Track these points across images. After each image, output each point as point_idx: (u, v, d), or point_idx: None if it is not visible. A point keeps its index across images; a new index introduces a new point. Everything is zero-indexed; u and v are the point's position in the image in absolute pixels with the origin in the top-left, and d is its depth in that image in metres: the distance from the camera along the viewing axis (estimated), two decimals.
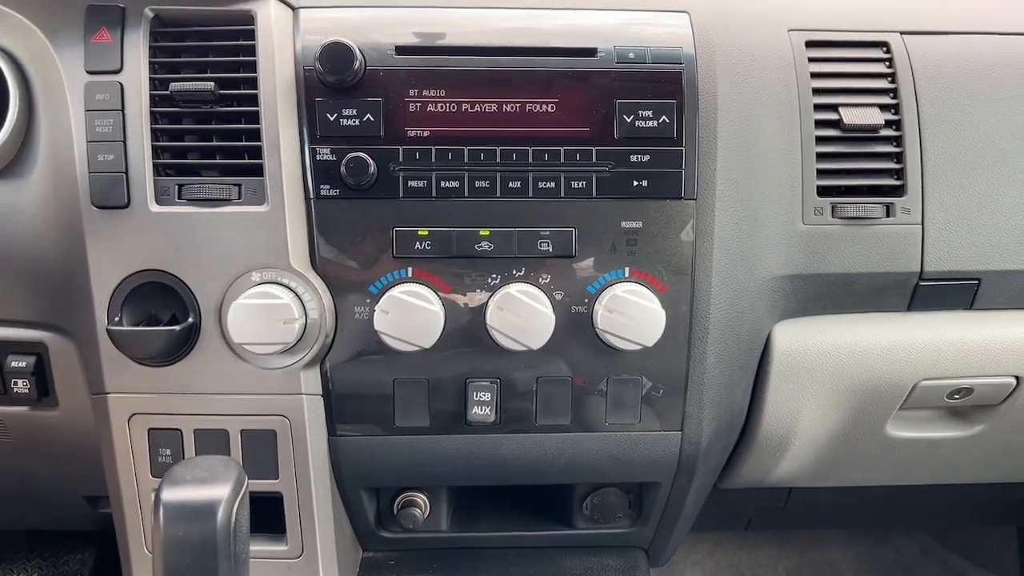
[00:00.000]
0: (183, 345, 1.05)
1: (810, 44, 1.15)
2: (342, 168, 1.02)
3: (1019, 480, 1.51)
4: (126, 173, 1.02)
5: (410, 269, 1.06)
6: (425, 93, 1.03)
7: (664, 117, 1.05)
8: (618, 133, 1.04)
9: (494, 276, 1.06)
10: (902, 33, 1.17)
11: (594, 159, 1.05)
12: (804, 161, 1.12)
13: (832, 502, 1.78)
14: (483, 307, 1.06)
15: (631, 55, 1.05)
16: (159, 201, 1.03)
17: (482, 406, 1.10)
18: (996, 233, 1.14)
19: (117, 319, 1.05)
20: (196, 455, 1.09)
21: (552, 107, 1.04)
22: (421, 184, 1.04)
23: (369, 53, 1.03)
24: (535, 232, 1.06)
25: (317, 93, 1.03)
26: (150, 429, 1.09)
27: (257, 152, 1.03)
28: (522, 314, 1.03)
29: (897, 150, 1.13)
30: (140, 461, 1.10)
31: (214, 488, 0.82)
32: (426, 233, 1.05)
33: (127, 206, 1.03)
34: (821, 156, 1.12)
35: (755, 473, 1.35)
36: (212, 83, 1.02)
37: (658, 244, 1.07)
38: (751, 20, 1.15)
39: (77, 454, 1.22)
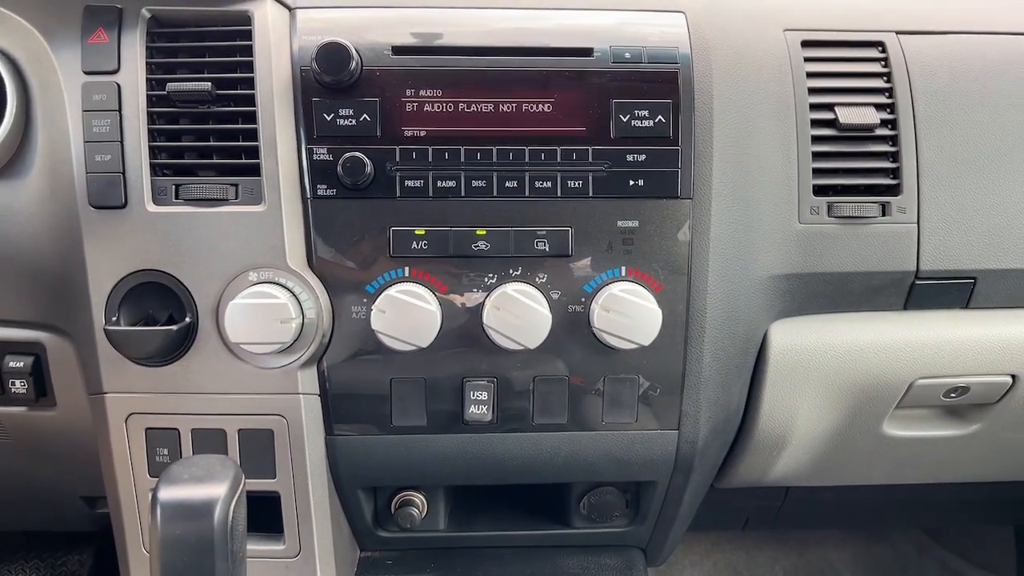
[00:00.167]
0: (180, 345, 1.05)
1: (806, 44, 1.16)
2: (339, 168, 1.02)
3: (1016, 479, 1.52)
4: (123, 173, 1.03)
5: (407, 269, 1.06)
6: (421, 93, 1.03)
7: (660, 117, 1.05)
8: (614, 133, 1.05)
9: (491, 275, 1.06)
10: (898, 33, 1.17)
11: (590, 159, 1.05)
12: (800, 160, 1.12)
13: (829, 501, 1.78)
14: (480, 306, 1.06)
15: (627, 55, 1.05)
16: (156, 201, 1.04)
17: (479, 405, 1.10)
18: (992, 232, 1.14)
19: (114, 319, 1.05)
20: (193, 455, 1.09)
21: (548, 107, 1.04)
22: (418, 184, 1.04)
23: (365, 53, 1.03)
24: (532, 232, 1.06)
25: (314, 93, 1.03)
26: (147, 429, 1.09)
27: (254, 152, 1.03)
28: (519, 313, 1.03)
29: (893, 149, 1.13)
30: (138, 461, 1.10)
31: (211, 487, 0.82)
32: (423, 233, 1.05)
33: (124, 206, 1.03)
34: (817, 155, 1.13)
35: (752, 472, 1.35)
36: (209, 83, 1.02)
37: (654, 243, 1.07)
38: (747, 20, 1.15)
39: (75, 454, 1.22)
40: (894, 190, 1.13)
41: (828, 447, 1.31)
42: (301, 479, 1.11)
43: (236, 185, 1.04)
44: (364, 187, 1.04)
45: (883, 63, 1.16)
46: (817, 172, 1.13)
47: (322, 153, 1.03)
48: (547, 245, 1.06)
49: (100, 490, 1.16)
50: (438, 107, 1.04)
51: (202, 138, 1.06)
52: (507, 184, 1.05)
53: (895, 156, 1.13)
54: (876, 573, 2.30)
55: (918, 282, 1.15)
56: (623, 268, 1.07)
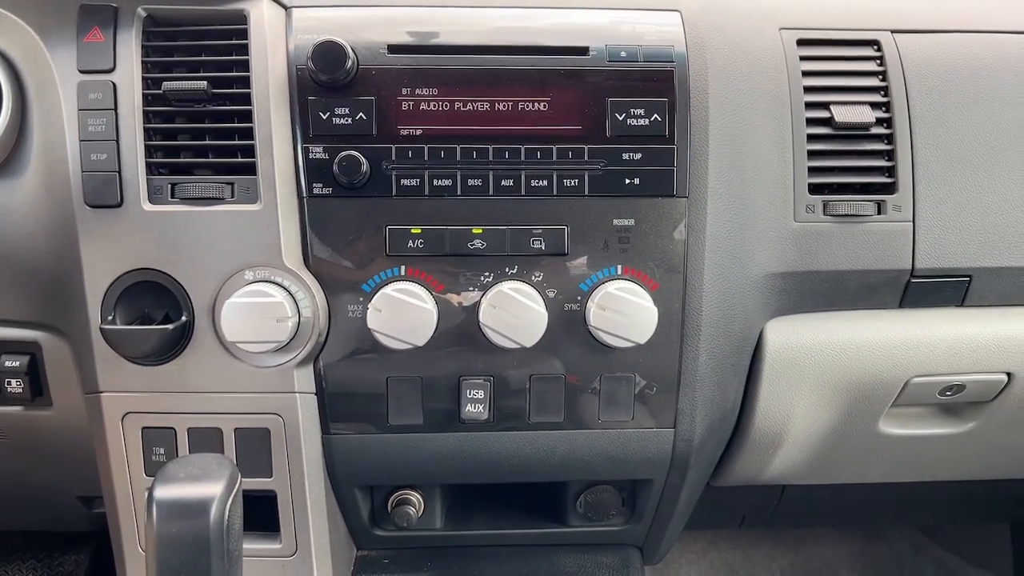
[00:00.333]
0: (176, 344, 1.05)
1: (801, 43, 1.16)
2: (335, 167, 1.02)
3: (1011, 476, 1.52)
4: (119, 172, 1.02)
5: (403, 267, 1.06)
6: (418, 92, 1.03)
7: (656, 115, 1.05)
8: (610, 131, 1.05)
9: (487, 274, 1.06)
10: (893, 31, 1.17)
11: (586, 157, 1.05)
12: (796, 159, 1.12)
13: (826, 500, 1.78)
14: (476, 305, 1.06)
15: (623, 54, 1.05)
16: (152, 200, 1.03)
17: (475, 404, 1.10)
18: (987, 230, 1.15)
19: (110, 318, 1.05)
20: (190, 454, 1.09)
21: (544, 106, 1.05)
22: (414, 182, 1.04)
23: (361, 52, 1.03)
24: (528, 230, 1.06)
25: (310, 92, 1.03)
26: (144, 428, 1.09)
27: (250, 151, 1.03)
28: (515, 312, 1.03)
29: (888, 148, 1.14)
30: (134, 460, 1.10)
31: (207, 485, 0.82)
32: (419, 231, 1.05)
33: (120, 205, 1.03)
34: (812, 154, 1.13)
35: (748, 471, 1.35)
36: (205, 82, 1.02)
37: (650, 242, 1.07)
38: (742, 19, 1.15)
39: (71, 454, 1.22)
40: (889, 188, 1.14)
41: (824, 445, 1.32)
42: (297, 478, 1.11)
43: (232, 184, 1.04)
44: (360, 186, 1.04)
45: (878, 62, 1.16)
46: (813, 170, 1.13)
47: (318, 152, 1.03)
48: (543, 244, 1.06)
49: (96, 490, 1.16)
50: (434, 106, 1.04)
51: (198, 137, 1.06)
52: (503, 183, 1.05)
53: (890, 154, 1.14)
54: (873, 572, 2.30)
55: (913, 280, 1.16)
56: (619, 266, 1.07)
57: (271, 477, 1.10)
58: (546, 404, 1.11)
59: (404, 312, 1.02)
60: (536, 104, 1.04)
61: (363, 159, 1.02)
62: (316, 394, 1.09)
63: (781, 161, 1.12)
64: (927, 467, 1.46)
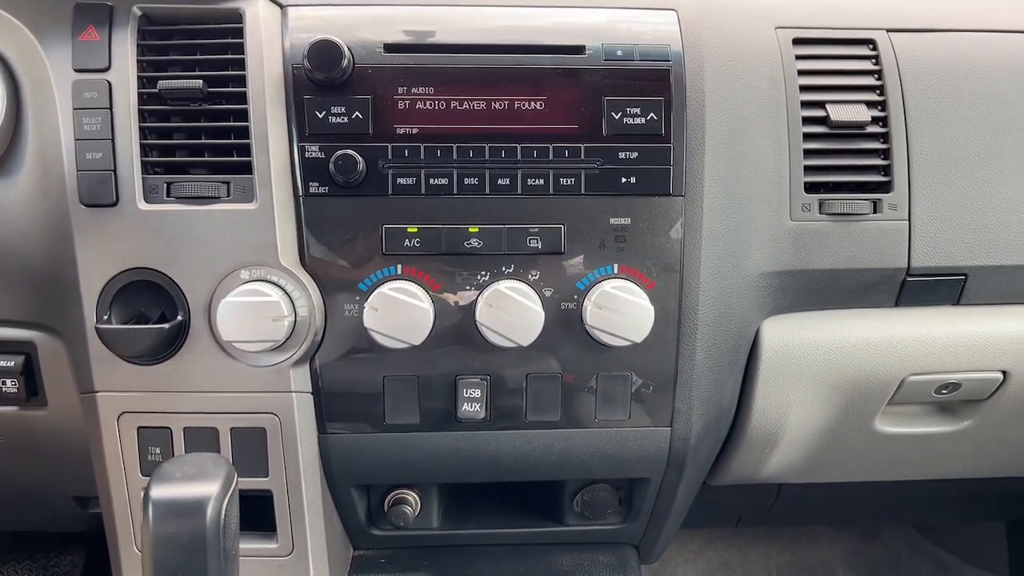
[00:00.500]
0: (172, 343, 1.04)
1: (797, 41, 1.16)
2: (331, 165, 1.02)
3: (1006, 475, 1.52)
4: (114, 171, 1.02)
5: (399, 266, 1.06)
6: (414, 91, 1.03)
7: (652, 114, 1.05)
8: (606, 130, 1.05)
9: (483, 273, 1.06)
10: (888, 30, 1.17)
11: (583, 156, 1.05)
12: (792, 158, 1.13)
13: (822, 498, 1.79)
14: (473, 304, 1.06)
15: (619, 52, 1.05)
16: (147, 199, 1.03)
17: (472, 403, 1.10)
18: (982, 229, 1.15)
19: (106, 317, 1.04)
20: (186, 453, 1.09)
21: (541, 104, 1.04)
22: (410, 181, 1.04)
23: (357, 51, 1.03)
24: (524, 229, 1.06)
25: (305, 91, 1.03)
26: (139, 428, 1.09)
27: (246, 150, 1.03)
28: (512, 311, 1.03)
29: (884, 146, 1.14)
30: (129, 460, 1.10)
31: (203, 485, 0.82)
32: (415, 230, 1.05)
33: (115, 204, 1.03)
34: (808, 153, 1.13)
35: (745, 469, 1.36)
36: (200, 81, 1.02)
37: (647, 240, 1.07)
38: (738, 18, 1.15)
39: (66, 454, 1.21)
40: (885, 187, 1.14)
41: (820, 444, 1.32)
42: (294, 477, 1.10)
43: (228, 183, 1.03)
44: (356, 185, 1.04)
45: (874, 60, 1.16)
46: (809, 169, 1.13)
47: (314, 151, 1.03)
48: (540, 242, 1.06)
49: (92, 490, 1.16)
50: (430, 105, 1.04)
51: (194, 136, 1.05)
52: (500, 181, 1.05)
53: (886, 153, 1.14)
54: (868, 570, 2.31)
55: (909, 279, 1.16)
56: (615, 265, 1.07)
57: (267, 477, 1.10)
58: (543, 403, 1.11)
59: (400, 311, 1.02)
60: (532, 103, 1.04)
61: (359, 158, 1.02)
62: (312, 393, 1.09)
63: (777, 160, 1.12)
64: (923, 465, 1.47)
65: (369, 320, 1.02)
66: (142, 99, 1.04)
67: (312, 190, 1.04)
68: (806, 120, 1.13)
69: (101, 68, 1.03)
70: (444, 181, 1.04)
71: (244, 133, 1.03)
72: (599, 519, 1.30)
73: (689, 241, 1.08)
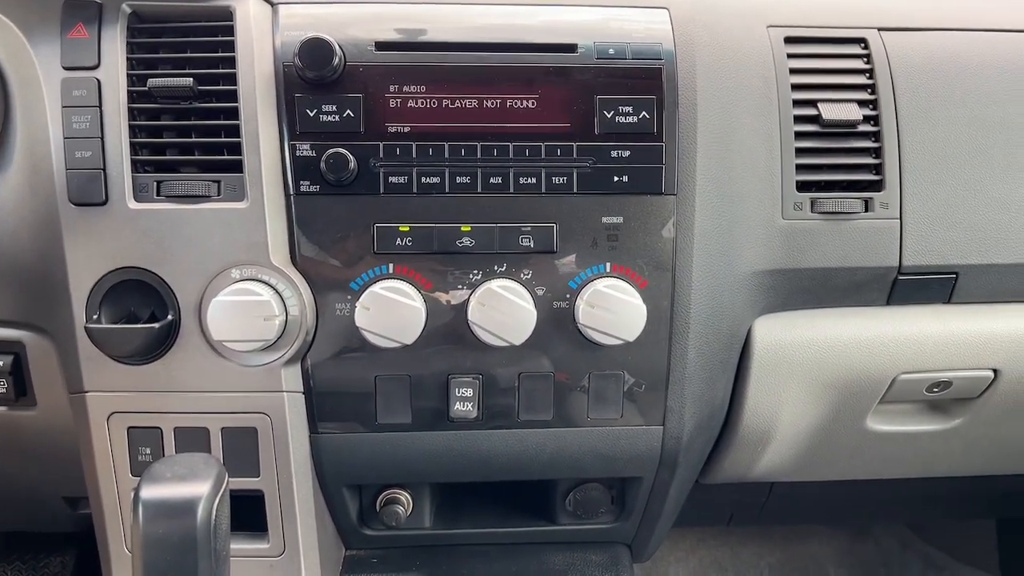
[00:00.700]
0: (162, 343, 1.04)
1: (789, 40, 1.16)
2: (322, 164, 1.02)
3: (997, 473, 1.53)
4: (104, 170, 1.02)
5: (391, 265, 1.05)
6: (405, 89, 1.03)
7: (644, 113, 1.05)
8: (599, 129, 1.05)
9: (475, 272, 1.06)
10: (880, 29, 1.18)
11: (575, 155, 1.05)
12: (783, 156, 1.13)
13: (814, 497, 1.79)
14: (465, 303, 1.05)
15: (611, 51, 1.05)
16: (137, 198, 1.03)
17: (464, 402, 1.10)
18: (973, 227, 1.15)
19: (95, 317, 1.04)
20: (176, 453, 1.08)
21: (533, 103, 1.04)
22: (402, 180, 1.04)
23: (349, 49, 1.02)
24: (516, 228, 1.06)
25: (296, 89, 1.02)
26: (129, 428, 1.08)
27: (236, 148, 1.03)
28: (504, 310, 1.03)
29: (875, 145, 1.14)
30: (119, 460, 1.09)
31: (194, 485, 0.82)
32: (407, 229, 1.05)
33: (105, 203, 1.02)
34: (800, 151, 1.13)
35: (737, 468, 1.36)
36: (191, 79, 1.02)
37: (639, 239, 1.07)
38: (730, 16, 1.15)
39: (56, 454, 1.21)
40: (877, 186, 1.14)
41: (812, 442, 1.32)
42: (285, 477, 1.10)
43: (218, 182, 1.03)
44: (348, 183, 1.03)
45: (865, 59, 1.16)
46: (800, 168, 1.13)
47: (305, 149, 1.03)
48: (532, 241, 1.06)
49: (82, 490, 1.15)
50: (422, 103, 1.03)
51: (184, 134, 1.05)
52: (492, 180, 1.05)
53: (877, 152, 1.14)
54: (860, 568, 2.31)
55: (901, 277, 1.16)
56: (608, 264, 1.07)
57: (258, 477, 1.10)
58: (535, 402, 1.11)
59: (392, 310, 1.02)
60: (524, 101, 1.04)
61: (351, 156, 1.02)
62: (304, 393, 1.09)
63: (769, 158, 1.12)
64: (914, 463, 1.47)
65: (361, 319, 1.02)
66: (132, 97, 1.03)
67: (303, 189, 1.03)
68: (798, 119, 1.13)
69: (90, 66, 1.02)
70: (436, 180, 1.04)
71: (235, 131, 1.03)
72: (591, 518, 1.30)
73: (681, 240, 1.08)
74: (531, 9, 1.08)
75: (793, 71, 1.14)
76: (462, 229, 1.05)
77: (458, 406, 1.10)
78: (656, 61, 1.06)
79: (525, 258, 1.06)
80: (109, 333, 1.01)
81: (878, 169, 1.14)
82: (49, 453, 1.22)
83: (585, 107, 1.04)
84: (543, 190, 1.05)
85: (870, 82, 1.15)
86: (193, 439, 1.08)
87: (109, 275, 1.03)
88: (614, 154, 1.05)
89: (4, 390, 1.13)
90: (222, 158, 1.04)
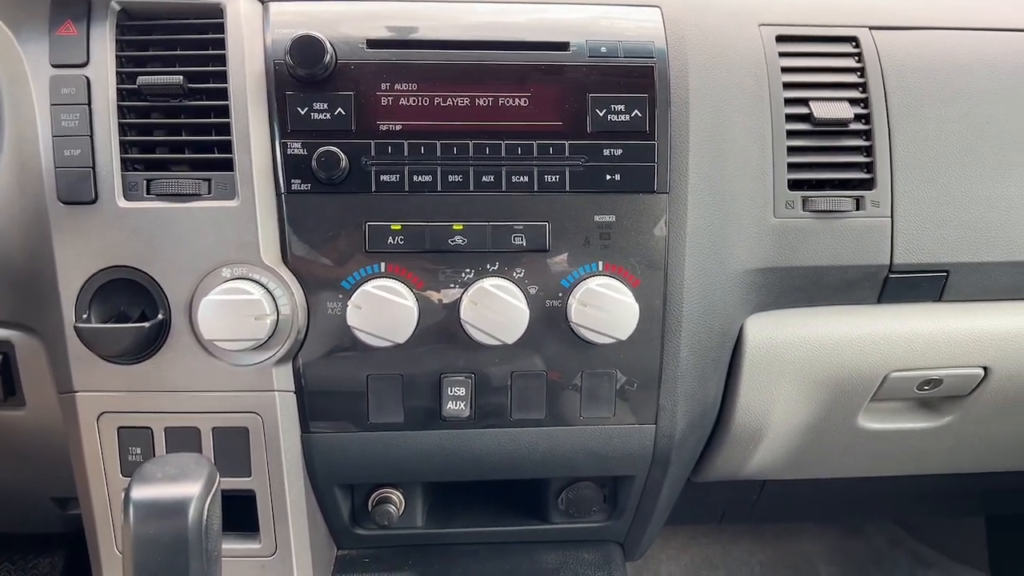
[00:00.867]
0: (153, 342, 1.03)
1: (780, 39, 1.16)
2: (313, 162, 1.01)
3: (986, 470, 1.54)
4: (93, 168, 1.01)
5: (383, 264, 1.05)
6: (397, 87, 1.03)
7: (636, 111, 1.05)
8: (591, 127, 1.05)
9: (468, 271, 1.06)
10: (871, 28, 1.18)
11: (567, 153, 1.05)
12: (775, 155, 1.13)
13: (805, 494, 1.80)
14: (457, 302, 1.05)
15: (603, 49, 1.05)
16: (127, 196, 1.02)
17: (457, 401, 1.09)
18: (964, 225, 1.16)
19: (85, 316, 1.03)
20: (167, 453, 1.08)
21: (525, 101, 1.04)
22: (393, 178, 1.04)
23: (340, 47, 1.02)
24: (509, 226, 1.05)
25: (287, 87, 1.02)
26: (120, 428, 1.07)
27: (227, 146, 1.02)
28: (496, 308, 1.03)
29: (867, 144, 1.14)
30: (110, 460, 1.09)
31: (185, 485, 0.81)
32: (399, 228, 1.05)
33: (94, 201, 1.01)
34: (792, 150, 1.13)
35: (729, 466, 1.36)
36: (181, 77, 1.01)
37: (631, 238, 1.07)
38: (722, 15, 1.15)
39: (45, 454, 1.20)
40: (868, 184, 1.14)
41: (804, 440, 1.32)
42: (277, 477, 1.10)
43: (209, 180, 1.02)
44: (339, 182, 1.03)
45: (857, 58, 1.17)
46: (792, 166, 1.13)
47: (296, 147, 1.02)
48: (524, 240, 1.06)
49: (71, 491, 1.15)
50: (414, 101, 1.03)
51: (174, 132, 1.04)
52: (484, 179, 1.04)
53: (869, 150, 1.14)
54: (851, 565, 2.32)
55: (892, 275, 1.17)
56: (600, 263, 1.07)
57: (250, 476, 1.09)
58: (528, 401, 1.11)
59: (384, 309, 1.02)
60: (516, 100, 1.04)
61: (342, 155, 1.01)
62: (295, 392, 1.08)
63: (761, 157, 1.13)
64: (905, 461, 1.48)
65: (352, 318, 1.02)
66: (121, 95, 1.03)
67: (294, 187, 1.03)
68: (790, 117, 1.14)
69: (79, 64, 1.02)
70: (428, 178, 1.04)
71: (225, 130, 1.02)
72: (584, 517, 1.30)
73: (673, 238, 1.08)
74: (523, 7, 1.08)
75: (785, 70, 1.15)
76: (454, 228, 1.05)
77: (450, 405, 1.09)
78: (648, 59, 1.06)
79: (517, 257, 1.06)
80: (99, 332, 1.01)
81: (869, 168, 1.14)
82: (38, 453, 1.21)
83: (577, 105, 1.04)
84: (535, 188, 1.05)
85: (861, 81, 1.16)
86: (184, 439, 1.07)
87: (99, 274, 1.03)
88: (606, 152, 1.05)
89: None
90: (212, 156, 1.03)
